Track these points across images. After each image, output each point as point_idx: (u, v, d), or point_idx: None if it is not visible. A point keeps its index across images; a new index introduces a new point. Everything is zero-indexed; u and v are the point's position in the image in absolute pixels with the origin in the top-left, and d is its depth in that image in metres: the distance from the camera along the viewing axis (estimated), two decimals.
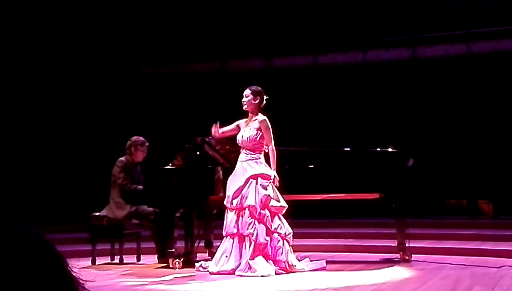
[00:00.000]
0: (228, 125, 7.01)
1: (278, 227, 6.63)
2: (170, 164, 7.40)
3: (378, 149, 7.73)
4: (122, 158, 7.68)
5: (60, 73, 11.79)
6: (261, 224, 6.58)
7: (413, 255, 7.37)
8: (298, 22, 11.76)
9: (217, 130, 6.92)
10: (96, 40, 12.04)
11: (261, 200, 6.58)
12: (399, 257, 7.37)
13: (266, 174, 6.69)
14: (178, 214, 7.23)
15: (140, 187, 7.47)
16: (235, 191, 6.65)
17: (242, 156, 6.81)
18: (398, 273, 6.63)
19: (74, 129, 11.70)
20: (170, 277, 6.52)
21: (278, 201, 6.70)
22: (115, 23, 12.07)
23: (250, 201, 6.58)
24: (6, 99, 11.20)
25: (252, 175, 6.65)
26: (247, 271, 6.48)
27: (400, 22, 11.26)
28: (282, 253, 6.62)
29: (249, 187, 6.63)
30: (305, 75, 11.65)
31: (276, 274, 6.48)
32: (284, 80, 11.50)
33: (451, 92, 10.87)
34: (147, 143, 7.75)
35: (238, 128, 6.91)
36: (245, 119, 6.94)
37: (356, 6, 11.57)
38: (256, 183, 6.63)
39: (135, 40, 12.17)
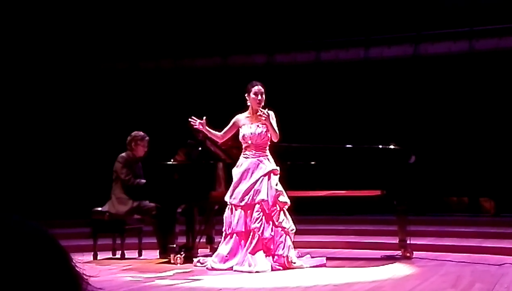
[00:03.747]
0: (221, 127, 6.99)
1: (283, 221, 6.66)
2: (172, 160, 7.40)
3: (380, 146, 7.72)
4: (123, 154, 7.67)
5: (60, 69, 11.78)
6: (269, 219, 6.60)
7: (414, 252, 7.37)
8: (300, 18, 11.74)
9: (205, 128, 6.83)
10: (96, 34, 12.02)
11: (274, 195, 6.59)
12: (400, 254, 7.37)
13: (277, 170, 6.71)
14: (179, 210, 7.24)
15: (143, 181, 7.47)
16: (248, 187, 6.63)
17: (251, 152, 6.76)
18: (399, 270, 6.64)
19: (75, 125, 11.70)
20: (172, 272, 6.53)
21: (284, 196, 6.72)
22: (115, 17, 12.05)
23: (263, 195, 6.58)
24: (6, 95, 11.20)
25: (266, 172, 6.64)
26: (244, 265, 6.48)
27: (402, 19, 11.24)
28: (283, 247, 6.62)
29: (261, 182, 6.63)
30: (307, 72, 11.63)
31: (273, 270, 6.49)
32: (285, 76, 11.48)
33: (453, 90, 10.86)
34: (147, 138, 7.74)
35: (236, 126, 6.86)
36: (244, 115, 6.86)
37: (358, 2, 11.54)
38: (269, 179, 6.64)
39: (136, 35, 12.14)
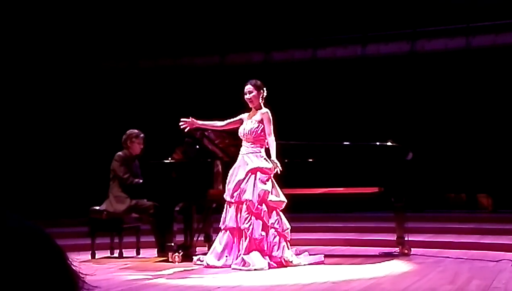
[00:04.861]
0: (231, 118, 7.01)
1: (275, 222, 6.62)
2: (170, 158, 7.41)
3: (378, 143, 7.73)
4: (120, 153, 7.67)
5: (60, 67, 11.78)
6: (258, 219, 6.58)
7: (412, 249, 7.38)
8: (297, 16, 11.75)
9: (195, 122, 6.87)
10: (96, 33, 12.03)
11: (259, 194, 6.56)
12: (398, 250, 7.38)
13: (266, 168, 6.67)
14: (177, 208, 7.24)
15: (141, 180, 7.48)
16: (235, 184, 6.66)
17: (243, 149, 6.80)
18: (397, 266, 6.64)
19: (73, 124, 11.70)
20: (170, 271, 6.53)
21: (278, 195, 6.68)
22: (114, 16, 12.05)
23: (247, 195, 6.57)
24: (6, 94, 11.19)
25: (251, 169, 6.64)
26: (242, 266, 6.49)
27: (399, 16, 11.25)
28: (278, 249, 6.61)
29: (247, 181, 6.62)
30: (304, 69, 11.64)
31: (270, 267, 6.49)
32: (283, 74, 11.49)
33: (450, 86, 10.87)
34: (142, 135, 7.74)
35: (240, 121, 6.90)
36: (247, 113, 6.92)
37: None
38: (255, 177, 6.61)
39: (135, 33, 12.15)
